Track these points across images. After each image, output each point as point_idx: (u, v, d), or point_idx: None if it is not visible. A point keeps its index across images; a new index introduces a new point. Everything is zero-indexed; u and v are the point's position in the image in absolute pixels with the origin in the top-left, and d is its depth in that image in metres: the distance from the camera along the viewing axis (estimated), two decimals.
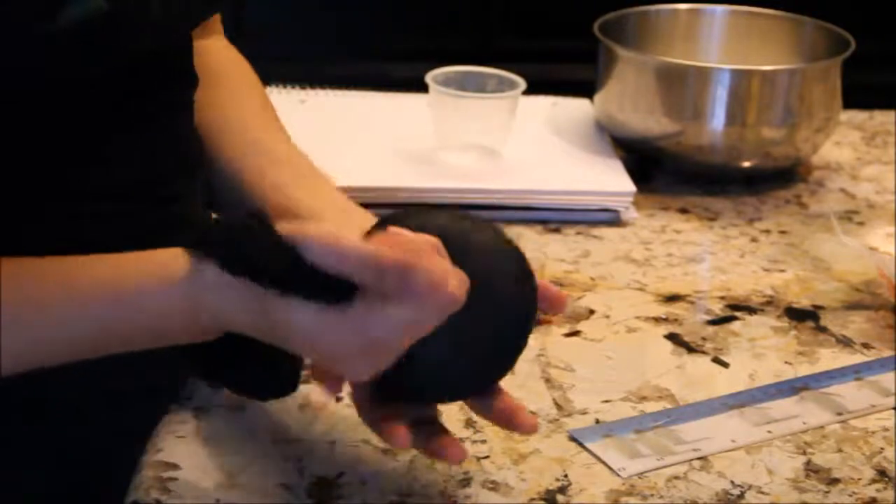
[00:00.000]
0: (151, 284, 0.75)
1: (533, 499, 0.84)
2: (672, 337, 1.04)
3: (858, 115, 1.50)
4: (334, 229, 0.74)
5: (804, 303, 1.10)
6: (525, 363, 0.99)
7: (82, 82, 0.80)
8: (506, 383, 0.96)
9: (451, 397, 0.84)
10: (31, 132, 0.80)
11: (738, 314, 1.08)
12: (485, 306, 0.79)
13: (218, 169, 0.93)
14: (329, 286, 0.74)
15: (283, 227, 0.74)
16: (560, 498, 0.85)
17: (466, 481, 0.85)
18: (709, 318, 1.07)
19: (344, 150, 1.28)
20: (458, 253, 0.77)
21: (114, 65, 0.81)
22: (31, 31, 0.74)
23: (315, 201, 0.89)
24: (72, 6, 0.75)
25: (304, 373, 0.87)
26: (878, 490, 0.86)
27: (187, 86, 0.91)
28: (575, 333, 1.04)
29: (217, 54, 1.01)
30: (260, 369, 0.85)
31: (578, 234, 1.20)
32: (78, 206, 0.82)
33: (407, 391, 0.81)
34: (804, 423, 0.93)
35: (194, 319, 0.76)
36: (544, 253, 1.16)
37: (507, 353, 0.83)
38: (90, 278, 0.76)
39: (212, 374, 0.89)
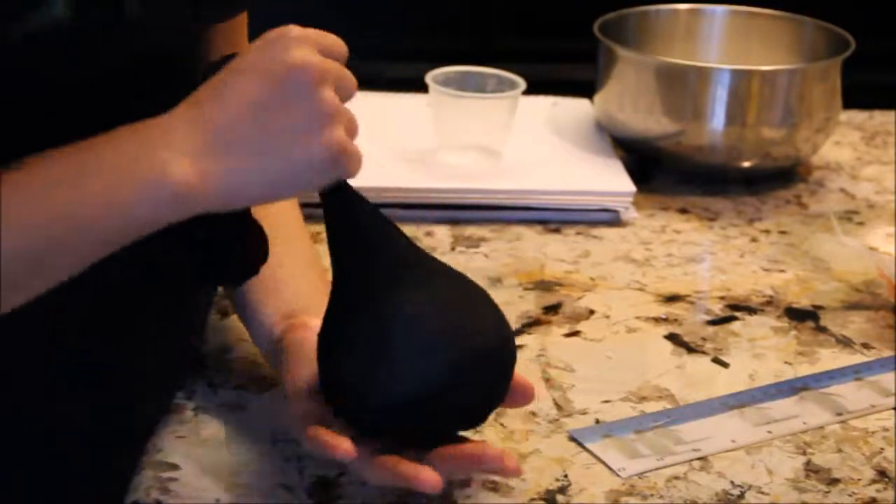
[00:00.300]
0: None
1: (533, 499, 0.84)
2: (672, 337, 1.04)
3: (858, 115, 1.50)
4: None
5: (804, 303, 1.10)
6: (525, 363, 0.99)
7: (81, 84, 0.80)
8: None
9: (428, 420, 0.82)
10: (32, 134, 0.80)
11: (738, 314, 1.08)
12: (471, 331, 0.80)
13: None
14: None
15: None
16: (560, 498, 0.85)
17: (466, 481, 0.85)
18: (709, 318, 1.07)
19: None
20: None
21: (89, 72, 0.81)
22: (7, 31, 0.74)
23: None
24: (34, 14, 0.75)
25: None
26: (878, 490, 0.87)
27: (189, 89, 0.91)
28: (575, 333, 1.04)
29: None
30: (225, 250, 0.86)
31: (578, 234, 1.20)
32: None
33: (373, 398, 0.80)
34: (804, 424, 0.93)
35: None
36: (544, 253, 1.16)
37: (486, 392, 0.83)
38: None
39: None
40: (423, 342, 0.79)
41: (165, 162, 0.75)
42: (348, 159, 0.78)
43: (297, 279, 0.94)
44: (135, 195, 0.74)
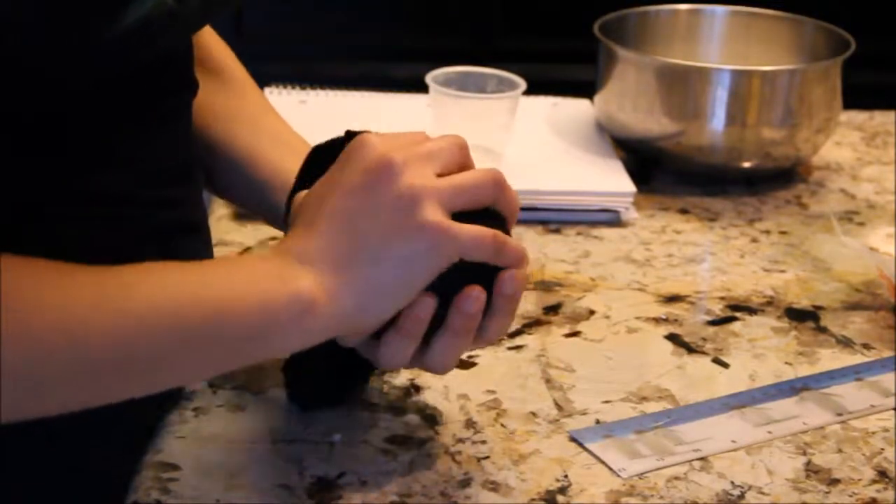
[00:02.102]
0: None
1: (533, 499, 0.84)
2: (672, 337, 1.04)
3: (858, 116, 1.50)
4: None
5: (804, 303, 1.10)
6: (525, 363, 0.99)
7: (85, 88, 0.80)
8: (506, 384, 0.96)
9: None
10: (33, 136, 0.80)
11: (738, 314, 1.08)
12: None
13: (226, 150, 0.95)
14: None
15: None
16: (560, 498, 0.85)
17: (466, 481, 0.85)
18: (709, 318, 1.07)
19: None
20: None
21: (153, 62, 0.82)
22: (93, 33, 0.74)
23: None
24: (134, 4, 0.75)
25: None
26: (878, 490, 0.86)
27: (189, 90, 0.91)
28: (575, 334, 1.04)
29: (216, 43, 1.02)
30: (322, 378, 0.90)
31: (578, 234, 1.20)
32: (78, 209, 0.82)
33: None
34: (804, 424, 0.93)
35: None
36: (544, 253, 1.16)
37: None
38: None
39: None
40: None
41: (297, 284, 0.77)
42: (455, 236, 0.79)
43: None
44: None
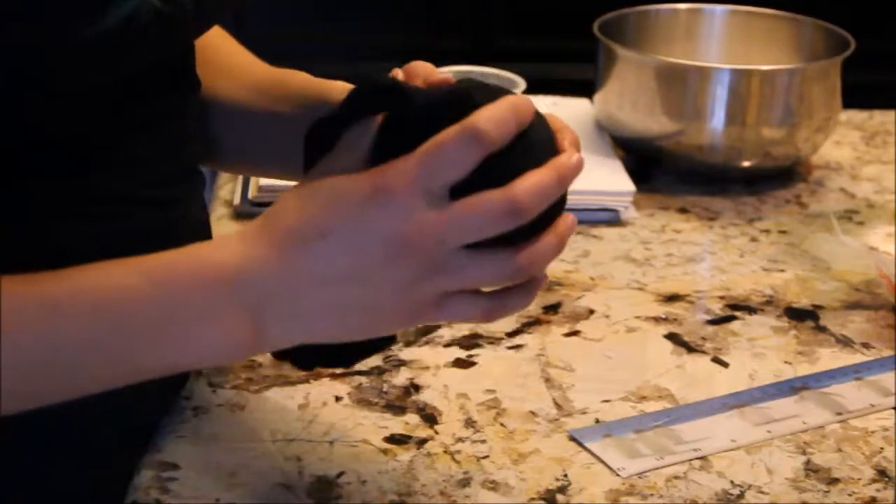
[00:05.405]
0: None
1: (533, 499, 0.84)
2: (672, 337, 1.04)
3: (858, 115, 1.50)
4: None
5: (804, 303, 1.10)
6: (525, 362, 0.99)
7: (86, 88, 0.80)
8: (505, 383, 0.96)
9: None
10: (35, 136, 0.80)
11: (737, 314, 1.08)
12: None
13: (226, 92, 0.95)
14: None
15: None
16: (560, 498, 0.85)
17: (466, 481, 0.85)
18: (709, 317, 1.07)
19: None
20: None
21: (150, 63, 0.81)
22: (72, 33, 0.74)
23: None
24: (117, 4, 0.75)
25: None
26: (877, 490, 0.87)
27: (190, 89, 0.91)
28: (575, 333, 1.04)
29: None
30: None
31: (578, 233, 1.20)
32: (78, 209, 0.82)
33: None
34: (804, 423, 0.93)
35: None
36: None
37: None
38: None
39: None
40: None
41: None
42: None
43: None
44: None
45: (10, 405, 0.72)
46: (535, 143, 0.75)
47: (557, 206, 0.76)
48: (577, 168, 0.76)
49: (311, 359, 0.81)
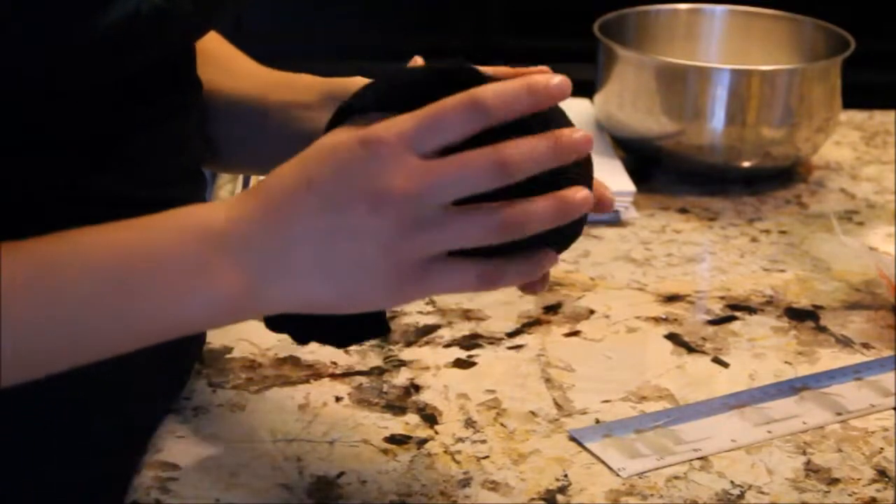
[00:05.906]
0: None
1: (533, 499, 0.84)
2: (672, 337, 1.04)
3: (858, 115, 1.50)
4: None
5: (804, 303, 1.10)
6: (525, 362, 0.99)
7: (87, 88, 0.80)
8: (506, 383, 0.96)
9: None
10: (35, 136, 0.80)
11: (737, 314, 1.08)
12: None
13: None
14: None
15: None
16: (560, 498, 0.85)
17: (466, 481, 0.85)
18: (709, 318, 1.07)
19: None
20: None
21: (150, 63, 0.81)
22: (72, 32, 0.74)
23: None
24: (118, 2, 0.75)
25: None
26: (878, 490, 0.87)
27: (191, 90, 0.91)
28: (575, 333, 1.04)
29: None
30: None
31: None
32: (79, 210, 0.82)
33: None
34: (804, 423, 0.93)
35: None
36: None
37: None
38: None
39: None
40: None
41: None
42: (436, 275, 0.74)
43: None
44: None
45: (13, 372, 0.72)
46: (551, 123, 0.76)
47: (571, 181, 0.75)
48: (578, 143, 0.75)
49: (307, 331, 0.81)
